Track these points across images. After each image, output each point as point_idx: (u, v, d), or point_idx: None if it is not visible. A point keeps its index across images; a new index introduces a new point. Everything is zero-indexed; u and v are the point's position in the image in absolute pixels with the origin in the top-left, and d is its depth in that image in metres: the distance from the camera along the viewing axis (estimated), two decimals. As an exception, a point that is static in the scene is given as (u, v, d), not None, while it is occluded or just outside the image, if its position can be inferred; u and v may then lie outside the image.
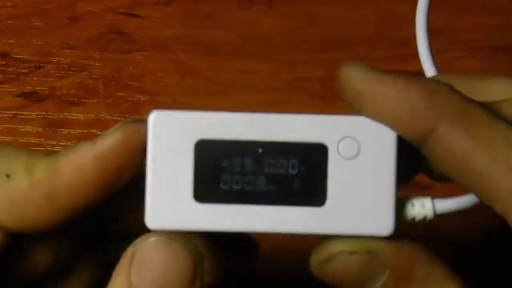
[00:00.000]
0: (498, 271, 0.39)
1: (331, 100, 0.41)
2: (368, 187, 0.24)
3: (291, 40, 0.43)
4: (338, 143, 0.24)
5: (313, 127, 0.24)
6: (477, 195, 0.24)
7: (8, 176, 0.25)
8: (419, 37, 0.33)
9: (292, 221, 0.24)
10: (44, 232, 0.25)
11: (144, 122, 0.24)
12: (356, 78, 0.24)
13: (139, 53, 0.43)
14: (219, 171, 0.24)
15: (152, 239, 0.24)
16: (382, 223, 0.24)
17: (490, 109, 0.24)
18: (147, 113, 0.24)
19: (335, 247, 0.24)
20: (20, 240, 0.26)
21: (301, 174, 0.24)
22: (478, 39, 0.42)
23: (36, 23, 0.43)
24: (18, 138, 0.41)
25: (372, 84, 0.24)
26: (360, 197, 0.24)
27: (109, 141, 0.24)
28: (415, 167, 0.25)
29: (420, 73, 0.33)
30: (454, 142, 0.23)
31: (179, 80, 0.42)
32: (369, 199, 0.24)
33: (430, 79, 0.25)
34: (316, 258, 0.25)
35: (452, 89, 0.24)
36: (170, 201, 0.24)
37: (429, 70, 0.34)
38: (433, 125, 0.23)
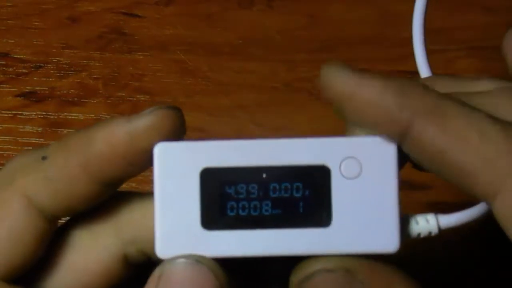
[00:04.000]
0: (497, 272, 0.39)
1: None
2: (372, 205, 0.25)
3: (291, 40, 0.43)
4: (340, 164, 0.25)
5: (314, 149, 0.25)
6: (459, 187, 0.24)
7: (44, 158, 0.25)
8: (415, 39, 0.33)
9: (300, 243, 0.25)
10: (82, 210, 0.26)
11: (177, 109, 0.25)
12: (335, 80, 0.24)
13: (139, 53, 0.43)
14: (225, 198, 0.25)
15: (180, 260, 0.24)
16: (388, 240, 0.25)
17: (465, 102, 0.24)
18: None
19: (313, 266, 0.25)
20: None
21: (305, 197, 0.25)
22: (478, 38, 0.42)
23: (36, 23, 0.43)
24: (18, 138, 0.41)
25: (350, 87, 0.24)
26: (365, 216, 0.25)
27: (143, 122, 0.24)
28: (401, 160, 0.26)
29: (417, 73, 0.33)
30: (429, 138, 0.23)
31: (179, 80, 0.42)
32: (374, 217, 0.25)
33: (406, 78, 0.25)
34: (295, 278, 0.25)
35: (426, 87, 0.24)
36: (179, 230, 0.24)
37: (424, 71, 0.34)
38: (408, 124, 0.23)
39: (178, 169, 0.25)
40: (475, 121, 0.23)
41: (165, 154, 0.25)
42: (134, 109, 0.42)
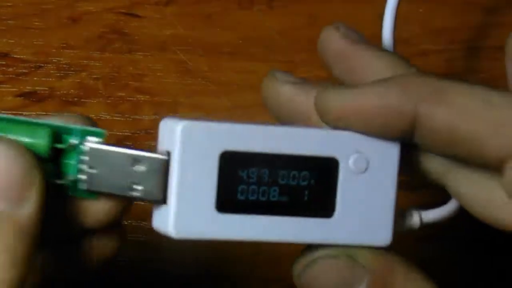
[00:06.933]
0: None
1: (331, 100, 0.41)
2: (372, 200, 0.26)
3: (291, 40, 0.43)
4: (349, 158, 0.25)
5: (326, 142, 0.25)
6: (472, 161, 0.24)
7: None
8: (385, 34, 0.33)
9: (303, 231, 0.25)
10: None
11: None
12: (334, 103, 0.25)
13: (139, 53, 0.43)
14: (238, 182, 0.25)
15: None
16: (382, 235, 0.26)
17: (462, 80, 0.24)
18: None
19: (316, 253, 0.26)
20: None
21: (312, 186, 0.25)
22: (478, 38, 0.42)
23: (36, 23, 0.43)
24: (18, 138, 0.41)
25: (353, 103, 0.25)
26: (364, 210, 0.26)
27: None
28: None
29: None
30: (436, 119, 0.24)
31: (179, 80, 0.42)
32: (372, 212, 0.26)
33: (399, 75, 0.25)
34: (298, 265, 0.26)
35: (422, 74, 0.25)
36: (194, 211, 0.25)
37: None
38: (415, 113, 0.24)
39: (199, 149, 0.24)
40: (476, 92, 0.23)
41: (188, 132, 0.25)
42: (134, 109, 0.42)
